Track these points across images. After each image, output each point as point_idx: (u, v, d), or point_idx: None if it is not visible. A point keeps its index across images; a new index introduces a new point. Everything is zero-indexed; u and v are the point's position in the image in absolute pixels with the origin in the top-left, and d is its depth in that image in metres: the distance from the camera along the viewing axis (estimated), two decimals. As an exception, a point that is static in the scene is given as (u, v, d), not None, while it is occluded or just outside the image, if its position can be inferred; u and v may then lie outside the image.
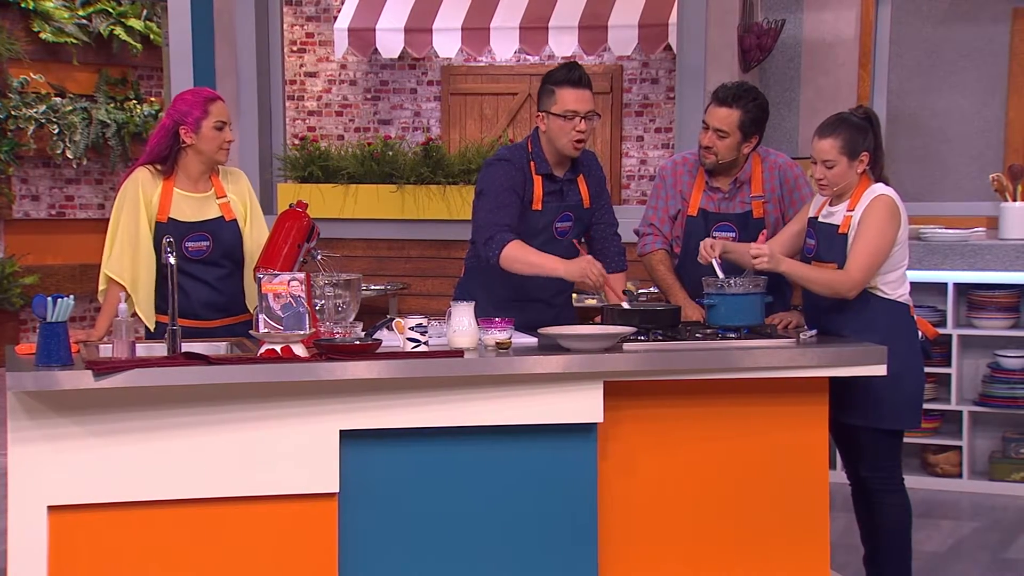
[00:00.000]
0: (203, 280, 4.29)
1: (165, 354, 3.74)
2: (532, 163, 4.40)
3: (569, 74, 4.32)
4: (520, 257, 4.26)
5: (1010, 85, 7.86)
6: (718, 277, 4.15)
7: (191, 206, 4.29)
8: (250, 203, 4.40)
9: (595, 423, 3.85)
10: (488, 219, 4.31)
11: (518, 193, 4.35)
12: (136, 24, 10.74)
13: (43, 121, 10.03)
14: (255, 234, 4.36)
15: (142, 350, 3.81)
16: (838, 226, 4.18)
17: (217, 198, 4.33)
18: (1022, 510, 6.04)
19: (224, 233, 4.32)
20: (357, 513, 3.74)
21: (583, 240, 4.58)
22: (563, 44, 10.51)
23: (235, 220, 4.34)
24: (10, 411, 3.54)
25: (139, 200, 4.23)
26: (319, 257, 4.25)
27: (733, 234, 4.51)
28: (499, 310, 4.11)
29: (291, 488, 3.67)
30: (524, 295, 4.38)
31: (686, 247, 4.55)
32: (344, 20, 11.11)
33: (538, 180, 4.40)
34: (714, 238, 4.48)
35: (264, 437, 3.65)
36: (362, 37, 11.02)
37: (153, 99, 10.90)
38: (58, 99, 10.24)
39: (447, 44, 10.86)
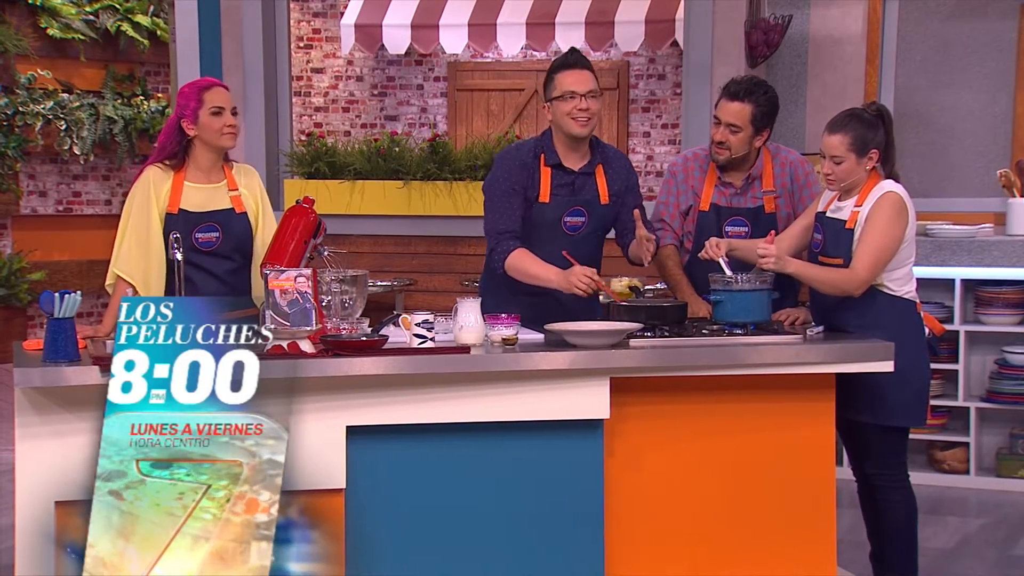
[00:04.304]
0: (212, 273, 4.28)
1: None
2: (543, 155, 4.40)
3: (566, 59, 4.37)
4: (520, 268, 4.30)
5: (1017, 81, 7.85)
6: (726, 274, 4.15)
7: (202, 196, 4.28)
8: (261, 200, 4.40)
9: (601, 419, 3.85)
10: (491, 227, 4.36)
11: (518, 191, 4.35)
12: (143, 20, 10.75)
13: (50, 117, 10.04)
14: (266, 232, 4.36)
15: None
16: (845, 221, 4.18)
17: (229, 190, 4.33)
18: (1029, 507, 6.05)
19: (234, 225, 4.31)
20: (364, 509, 3.74)
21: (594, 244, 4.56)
22: (570, 40, 10.46)
23: (245, 213, 4.34)
24: (17, 407, 3.54)
25: (150, 198, 4.23)
26: (325, 253, 4.25)
27: (745, 229, 4.50)
28: (521, 304, 4.10)
29: (298, 484, 3.67)
30: (543, 288, 4.36)
31: (697, 242, 4.53)
32: (351, 16, 11.11)
33: (546, 172, 4.40)
34: (726, 233, 4.48)
35: (271, 433, 3.65)
36: (369, 33, 11.02)
37: (160, 95, 10.92)
38: (65, 95, 10.26)
39: (454, 40, 10.86)
